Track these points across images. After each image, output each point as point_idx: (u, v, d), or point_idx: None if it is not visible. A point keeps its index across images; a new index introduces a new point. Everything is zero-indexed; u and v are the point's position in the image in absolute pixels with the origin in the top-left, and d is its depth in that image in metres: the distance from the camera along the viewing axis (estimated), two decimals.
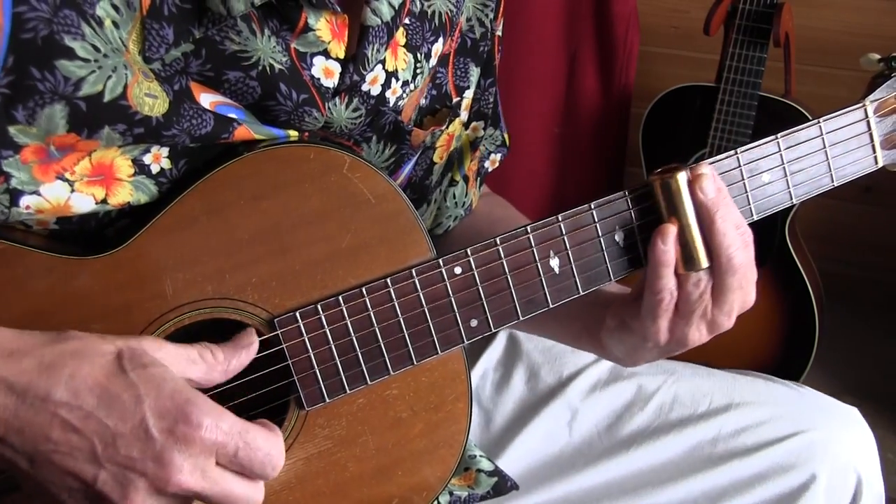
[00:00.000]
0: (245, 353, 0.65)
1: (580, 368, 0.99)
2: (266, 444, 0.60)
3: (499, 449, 0.96)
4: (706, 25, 1.66)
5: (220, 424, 0.57)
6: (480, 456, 0.90)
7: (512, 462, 0.93)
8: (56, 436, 0.55)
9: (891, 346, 2.03)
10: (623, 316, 0.75)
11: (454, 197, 0.93)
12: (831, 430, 0.91)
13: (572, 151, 1.96)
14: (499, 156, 0.99)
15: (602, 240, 0.73)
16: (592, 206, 0.72)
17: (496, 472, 0.90)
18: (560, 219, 0.71)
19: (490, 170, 0.99)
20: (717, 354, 1.85)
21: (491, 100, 0.92)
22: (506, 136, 1.00)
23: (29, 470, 0.57)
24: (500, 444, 0.96)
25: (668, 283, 0.70)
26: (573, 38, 1.87)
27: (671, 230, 0.70)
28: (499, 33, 0.90)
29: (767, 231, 1.74)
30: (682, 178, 0.70)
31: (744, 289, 0.72)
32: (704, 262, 0.70)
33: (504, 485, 0.89)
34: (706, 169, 0.71)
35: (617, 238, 0.73)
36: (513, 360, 1.02)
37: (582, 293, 0.74)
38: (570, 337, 0.86)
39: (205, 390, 0.66)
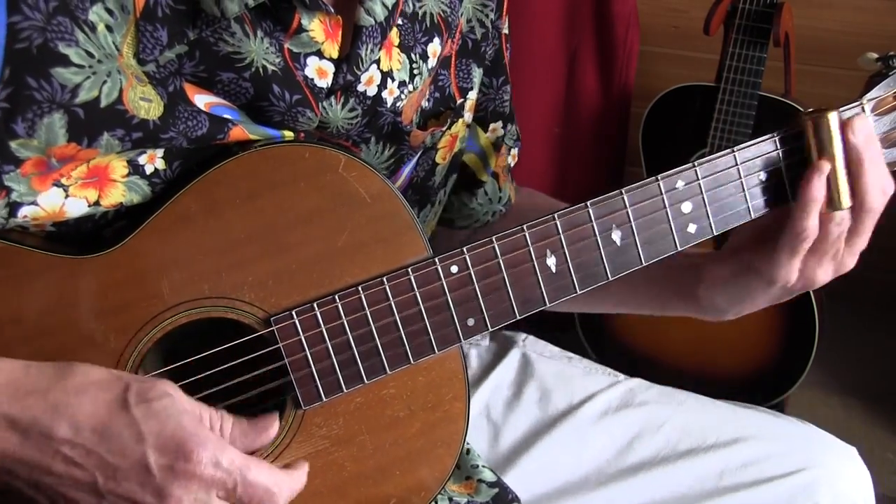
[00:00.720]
0: (256, 437, 0.66)
1: (591, 394, 1.00)
2: (267, 479, 0.61)
3: (505, 466, 0.96)
4: (706, 25, 1.66)
5: (221, 460, 0.58)
6: (483, 466, 0.90)
7: (517, 481, 0.93)
8: (58, 469, 0.57)
9: (891, 346, 2.03)
10: (750, 260, 0.77)
11: (486, 194, 0.95)
12: (832, 469, 0.93)
13: (572, 151, 1.95)
14: (516, 150, 1.00)
15: (599, 238, 0.73)
16: (589, 205, 0.72)
17: (498, 483, 0.90)
18: (556, 217, 0.72)
19: (512, 164, 1.00)
20: (719, 354, 1.85)
21: (506, 98, 0.93)
22: (518, 130, 1.01)
23: (35, 496, 0.58)
24: (506, 462, 0.96)
25: (815, 221, 0.73)
26: (573, 38, 1.87)
27: (826, 167, 0.72)
28: (505, 31, 0.91)
29: None
30: (833, 117, 0.73)
31: (870, 232, 0.76)
32: (847, 202, 0.73)
33: (505, 497, 0.89)
34: (860, 117, 0.74)
35: (614, 237, 0.73)
36: (525, 379, 1.02)
37: (580, 292, 0.74)
38: (656, 304, 0.89)
39: (200, 388, 0.66)
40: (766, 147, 0.75)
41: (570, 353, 1.08)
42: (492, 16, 0.87)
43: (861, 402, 0.90)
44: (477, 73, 0.86)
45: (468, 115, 0.88)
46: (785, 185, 0.75)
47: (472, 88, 0.86)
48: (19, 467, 0.57)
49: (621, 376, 1.04)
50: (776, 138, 0.75)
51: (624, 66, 1.92)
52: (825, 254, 0.75)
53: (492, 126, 0.93)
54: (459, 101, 0.85)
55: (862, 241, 0.76)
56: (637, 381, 1.03)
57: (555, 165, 1.95)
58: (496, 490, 0.89)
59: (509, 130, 0.97)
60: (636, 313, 0.95)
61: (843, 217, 0.74)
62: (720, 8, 1.65)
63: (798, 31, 1.70)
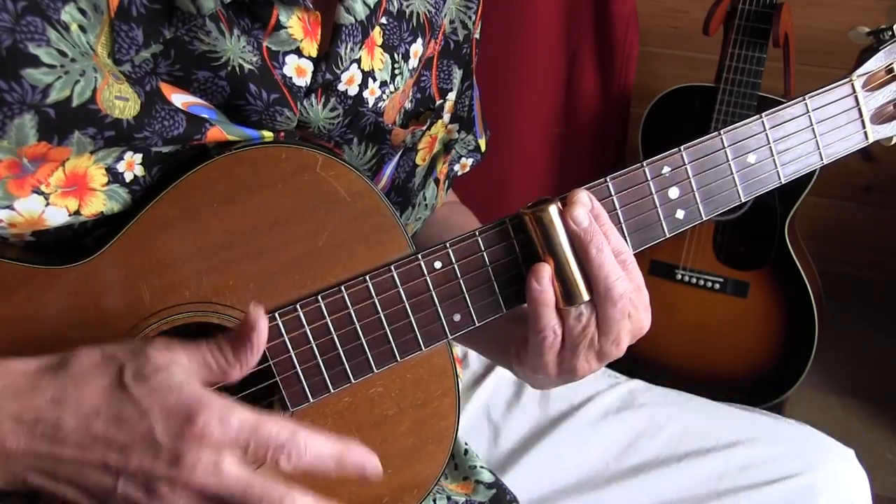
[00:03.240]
0: (252, 341, 0.60)
1: (591, 395, 1.00)
2: (280, 432, 0.58)
3: (505, 466, 0.96)
4: (705, 25, 1.66)
5: (229, 419, 0.57)
6: (482, 467, 0.90)
7: (517, 482, 0.93)
8: (70, 457, 0.57)
9: (891, 346, 2.02)
10: (516, 348, 0.74)
11: (424, 198, 0.92)
12: (830, 472, 0.92)
13: (572, 151, 1.96)
14: (470, 161, 0.98)
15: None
16: (478, 234, 0.69)
17: (496, 484, 0.89)
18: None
19: (459, 174, 0.98)
20: (719, 355, 1.85)
21: (467, 103, 0.92)
22: (481, 142, 0.98)
23: (53, 488, 0.58)
24: (506, 463, 0.96)
25: (550, 321, 0.68)
26: (573, 39, 1.87)
27: (545, 269, 0.67)
28: (476, 36, 0.90)
29: (767, 231, 1.74)
30: (553, 210, 0.67)
31: (632, 316, 0.69)
32: (585, 296, 0.67)
33: (503, 497, 0.89)
34: (579, 195, 0.68)
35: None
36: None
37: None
38: (494, 357, 0.85)
39: None
40: (754, 128, 0.74)
41: None
42: (473, 18, 0.86)
43: (860, 402, 0.90)
44: (457, 75, 0.86)
45: (447, 117, 0.87)
46: (777, 168, 0.74)
47: (451, 89, 0.85)
48: (33, 462, 0.57)
49: (622, 378, 1.04)
50: (763, 120, 0.74)
51: (623, 66, 1.92)
52: (576, 347, 0.69)
53: (449, 126, 0.91)
54: (439, 101, 0.84)
55: (619, 327, 0.68)
56: (637, 383, 1.03)
57: (554, 165, 1.95)
58: (494, 491, 0.88)
59: (464, 138, 0.95)
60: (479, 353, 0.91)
61: (580, 311, 0.68)
62: (720, 8, 1.65)
63: (798, 32, 1.69)
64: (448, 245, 0.69)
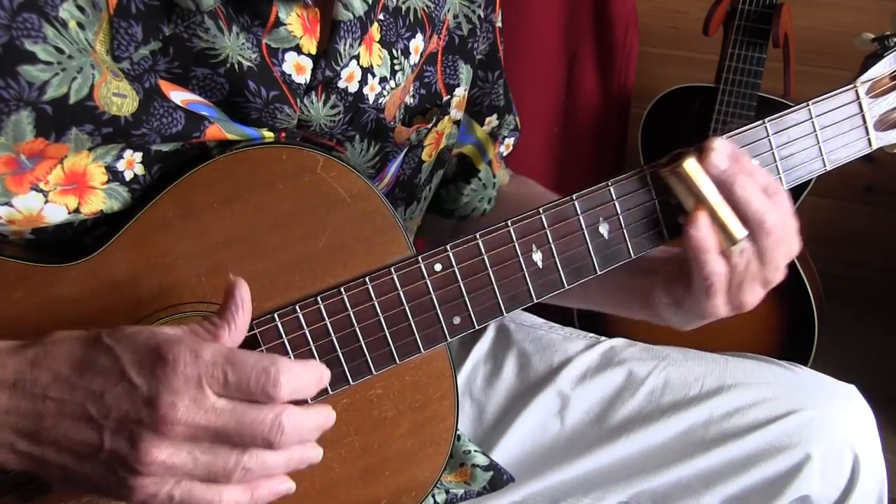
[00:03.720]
0: (235, 303, 0.59)
1: (570, 357, 0.98)
2: (258, 362, 0.55)
3: (492, 441, 0.95)
4: (705, 26, 1.66)
5: (201, 354, 0.55)
6: (475, 451, 0.90)
7: (505, 453, 0.93)
8: (50, 410, 0.56)
9: (891, 346, 2.02)
10: (675, 297, 0.76)
11: (480, 181, 0.95)
12: (826, 409, 0.89)
13: (572, 152, 1.96)
14: (512, 139, 0.99)
15: (586, 232, 0.72)
16: (575, 199, 0.71)
17: (491, 465, 0.89)
18: (541, 211, 0.70)
19: (505, 154, 0.99)
20: (719, 353, 1.84)
21: (501, 91, 0.92)
22: (517, 119, 1.00)
23: (41, 454, 0.57)
24: (492, 436, 0.95)
25: (716, 266, 0.71)
26: (572, 39, 1.87)
27: (700, 217, 0.70)
28: (499, 24, 0.90)
29: None
30: (690, 163, 0.70)
31: (786, 242, 0.72)
32: (741, 233, 0.70)
33: (500, 478, 0.89)
34: (715, 142, 0.70)
35: (602, 230, 0.72)
36: (503, 351, 1.01)
37: (567, 287, 0.73)
38: (626, 310, 0.86)
39: None
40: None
41: (550, 321, 1.06)
42: (480, 11, 0.86)
43: None
44: (464, 70, 0.85)
45: (455, 112, 0.87)
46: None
47: (458, 85, 0.85)
48: (14, 421, 0.56)
49: (602, 338, 1.02)
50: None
51: (623, 66, 1.92)
52: (743, 282, 0.72)
53: (487, 119, 0.92)
54: (446, 97, 0.84)
55: (777, 255, 0.72)
56: (616, 341, 1.01)
57: (554, 166, 1.95)
58: (490, 473, 0.88)
59: (506, 120, 0.96)
60: (597, 310, 0.92)
61: (742, 248, 0.71)
62: (719, 9, 1.65)
63: (797, 32, 1.69)
64: (448, 248, 0.69)
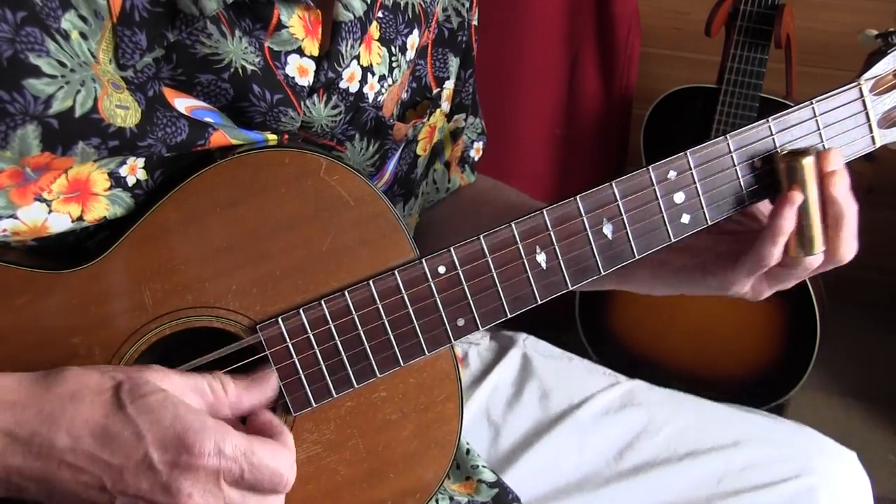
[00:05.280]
0: (259, 391, 0.65)
1: (592, 393, 1.00)
2: (273, 461, 0.60)
3: (505, 466, 0.95)
4: (707, 27, 1.66)
5: (224, 448, 0.58)
6: (483, 467, 0.90)
7: (517, 481, 0.93)
8: (65, 477, 0.57)
9: (891, 346, 2.02)
10: (705, 263, 0.77)
11: (434, 182, 0.94)
12: (831, 474, 0.92)
13: (574, 153, 1.96)
14: (481, 143, 0.99)
15: (590, 232, 0.71)
16: (578, 199, 0.71)
17: (498, 483, 0.89)
18: (545, 212, 0.70)
19: (476, 158, 0.99)
20: (720, 356, 1.85)
21: (470, 91, 0.92)
22: (483, 124, 1.00)
23: (49, 502, 0.59)
24: (506, 462, 0.96)
25: (780, 249, 0.72)
26: (574, 40, 1.87)
27: (798, 198, 0.71)
28: (475, 23, 0.90)
29: None
30: (809, 162, 0.71)
31: (826, 268, 0.76)
32: (820, 247, 0.73)
33: (505, 496, 0.89)
34: (839, 162, 0.73)
35: (605, 230, 0.72)
36: (526, 379, 1.02)
37: (572, 287, 0.73)
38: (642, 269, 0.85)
39: None
40: (761, 132, 0.73)
41: (570, 353, 1.08)
42: (467, 5, 0.86)
43: (862, 403, 0.89)
44: (453, 63, 0.86)
45: (445, 105, 0.87)
46: (778, 174, 0.73)
47: (448, 78, 0.85)
48: (28, 481, 0.57)
49: (622, 377, 1.04)
50: (770, 124, 0.73)
51: (625, 67, 1.92)
52: (781, 281, 0.76)
53: (455, 117, 0.92)
54: (436, 90, 0.84)
55: (814, 272, 0.76)
56: (637, 383, 1.03)
57: (556, 167, 1.95)
58: (496, 490, 0.88)
59: (472, 123, 0.96)
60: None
61: (814, 261, 0.74)
62: (721, 10, 1.65)
63: (799, 33, 1.69)
64: (452, 250, 0.69)
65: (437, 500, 0.85)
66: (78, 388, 0.58)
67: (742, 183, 0.74)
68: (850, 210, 0.72)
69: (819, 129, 0.76)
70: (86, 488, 0.57)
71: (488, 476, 0.89)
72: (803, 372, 1.76)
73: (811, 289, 1.71)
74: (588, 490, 0.94)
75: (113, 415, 0.57)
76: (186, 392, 0.61)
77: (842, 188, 0.72)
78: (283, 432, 0.63)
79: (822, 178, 0.72)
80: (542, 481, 0.95)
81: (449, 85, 0.86)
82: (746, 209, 0.76)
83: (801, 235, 0.72)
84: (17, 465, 0.57)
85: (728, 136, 0.74)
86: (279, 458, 0.60)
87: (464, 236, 0.69)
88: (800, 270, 0.75)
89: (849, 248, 0.74)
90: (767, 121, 0.74)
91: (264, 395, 0.65)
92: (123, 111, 0.60)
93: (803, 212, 0.72)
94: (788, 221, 0.71)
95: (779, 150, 0.74)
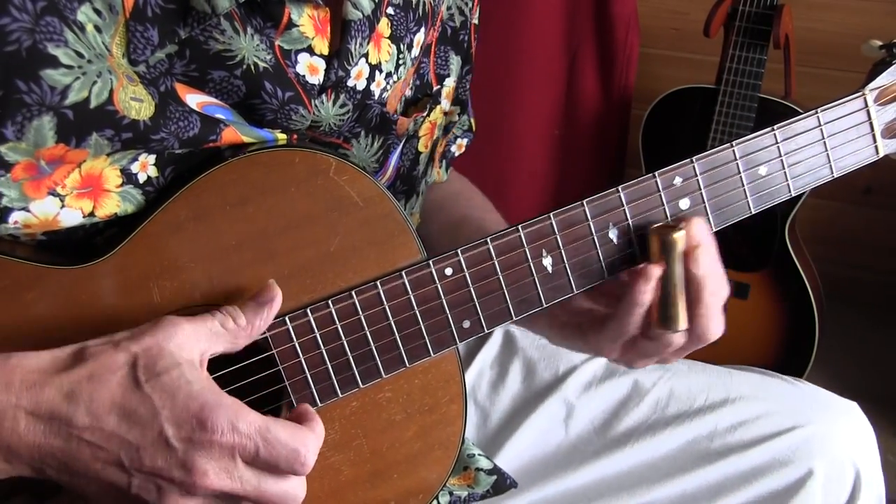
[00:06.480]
0: (268, 310, 0.64)
1: (576, 365, 0.99)
2: (291, 440, 0.59)
3: (496, 447, 0.95)
4: (706, 27, 1.67)
5: (238, 425, 0.57)
6: (479, 455, 0.90)
7: (509, 460, 0.93)
8: (84, 454, 0.57)
9: (891, 347, 2.03)
10: (580, 324, 0.77)
11: (426, 184, 0.94)
12: (829, 425, 0.90)
13: (572, 153, 1.96)
14: (465, 140, 0.99)
15: (595, 237, 0.72)
16: (585, 204, 0.71)
17: (495, 470, 0.89)
18: (552, 216, 0.71)
19: (457, 154, 0.99)
20: (718, 355, 1.85)
21: (467, 87, 0.93)
22: (472, 121, 1.00)
23: (69, 481, 0.59)
24: (497, 442, 0.96)
25: (635, 322, 0.71)
26: (573, 40, 1.88)
27: (656, 272, 0.70)
28: (475, 22, 0.90)
29: (768, 233, 1.74)
30: (679, 237, 0.70)
31: (691, 349, 0.74)
32: (683, 325, 0.71)
33: (503, 483, 0.89)
34: (706, 239, 0.70)
35: (611, 235, 0.72)
36: (509, 357, 1.01)
37: (577, 292, 0.73)
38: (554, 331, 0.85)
39: None
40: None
41: None
42: (470, 4, 0.86)
43: (861, 404, 0.89)
44: (454, 61, 0.86)
45: (445, 103, 0.88)
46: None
47: (448, 75, 0.86)
48: (49, 458, 0.57)
49: None
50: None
51: (624, 68, 1.92)
52: (649, 354, 0.74)
53: (450, 109, 0.93)
54: (436, 87, 0.85)
55: (679, 354, 0.75)
56: None
57: (555, 167, 1.95)
58: (494, 477, 0.89)
59: (461, 119, 0.97)
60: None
61: (678, 338, 0.72)
62: (720, 10, 1.66)
63: (798, 33, 1.70)
64: (459, 252, 0.69)
65: (437, 498, 0.85)
66: (95, 369, 0.58)
67: (747, 190, 0.75)
68: (712, 286, 0.70)
69: (824, 138, 0.76)
70: (104, 466, 0.57)
71: (485, 463, 0.89)
72: (802, 372, 1.77)
73: (810, 289, 1.71)
74: (578, 462, 0.93)
75: (129, 393, 0.57)
76: (201, 338, 0.61)
77: (703, 265, 0.69)
78: (314, 419, 0.63)
79: (686, 254, 0.69)
80: (534, 458, 0.95)
81: (450, 83, 0.87)
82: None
83: (664, 311, 0.70)
84: (38, 443, 0.57)
85: (733, 143, 0.74)
86: (298, 438, 0.59)
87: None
88: (666, 346, 0.73)
89: (714, 327, 0.71)
90: (773, 129, 0.75)
91: (273, 310, 0.64)
92: (138, 104, 0.60)
93: (667, 287, 0.70)
94: (644, 295, 0.70)
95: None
